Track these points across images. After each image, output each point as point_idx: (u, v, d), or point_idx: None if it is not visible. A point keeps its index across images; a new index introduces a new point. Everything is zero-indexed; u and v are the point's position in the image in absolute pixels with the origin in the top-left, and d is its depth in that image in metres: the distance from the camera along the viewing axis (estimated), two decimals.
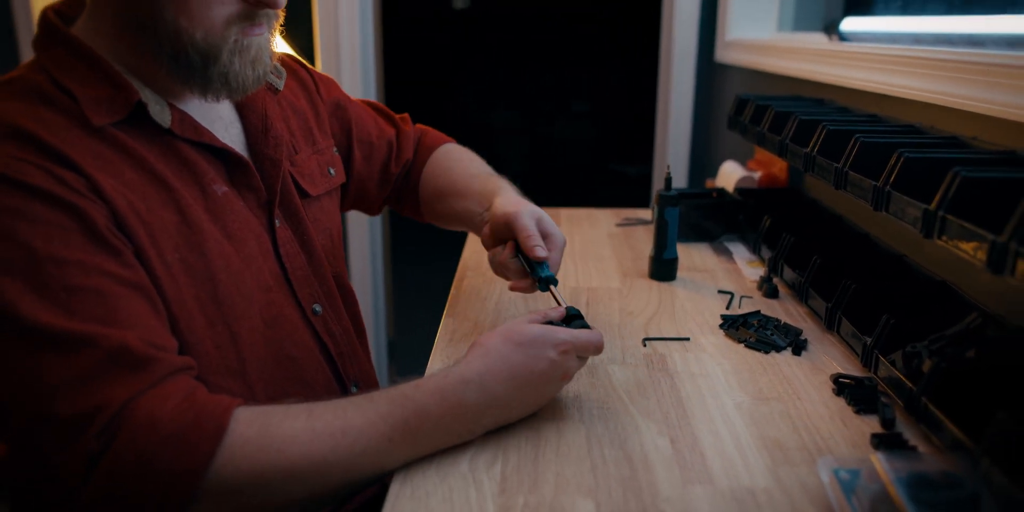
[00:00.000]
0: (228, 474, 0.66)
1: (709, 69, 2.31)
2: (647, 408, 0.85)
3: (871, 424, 0.82)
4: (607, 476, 0.72)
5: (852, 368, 0.95)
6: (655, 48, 2.42)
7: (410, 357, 2.92)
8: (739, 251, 1.41)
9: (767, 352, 0.99)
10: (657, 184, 2.54)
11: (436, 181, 1.20)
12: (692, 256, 1.39)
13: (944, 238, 0.74)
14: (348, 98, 1.16)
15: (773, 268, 1.23)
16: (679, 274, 1.28)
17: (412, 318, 3.10)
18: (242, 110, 0.94)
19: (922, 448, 0.77)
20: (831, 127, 1.08)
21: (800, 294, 1.14)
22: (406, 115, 1.27)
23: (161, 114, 0.81)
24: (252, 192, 0.89)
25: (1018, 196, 0.65)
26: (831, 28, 1.58)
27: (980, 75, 0.94)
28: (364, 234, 2.54)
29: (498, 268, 1.01)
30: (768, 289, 1.18)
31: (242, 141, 0.92)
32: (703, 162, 2.39)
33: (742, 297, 1.18)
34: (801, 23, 2.07)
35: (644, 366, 0.95)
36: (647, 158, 2.59)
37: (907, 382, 0.81)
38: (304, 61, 1.14)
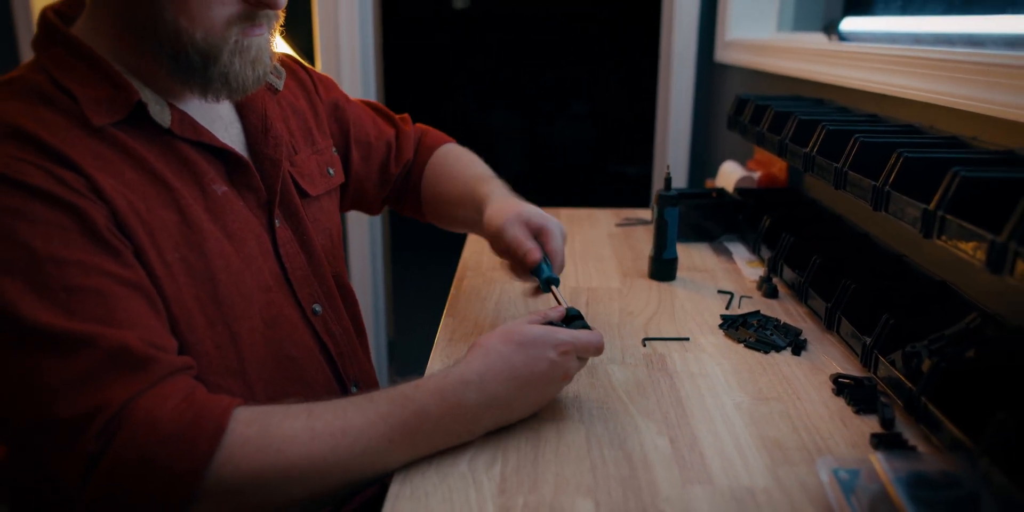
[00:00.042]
0: (228, 474, 0.66)
1: (709, 69, 2.31)
2: (647, 408, 0.85)
3: (870, 424, 0.82)
4: (607, 476, 0.72)
5: (852, 368, 0.95)
6: (655, 48, 2.42)
7: (410, 357, 2.92)
8: (739, 251, 1.41)
9: (767, 352, 0.99)
10: (657, 184, 2.54)
11: (436, 187, 1.20)
12: (692, 256, 1.39)
13: (943, 238, 0.74)
14: (347, 98, 1.16)
15: (773, 268, 1.23)
16: (679, 274, 1.28)
17: (412, 318, 3.10)
18: (242, 110, 0.94)
19: (921, 448, 0.77)
20: (831, 127, 1.08)
21: (800, 294, 1.14)
22: (406, 115, 1.27)
23: (161, 114, 0.81)
24: (252, 192, 0.89)
25: (1017, 196, 0.65)
26: (831, 28, 1.58)
27: (980, 75, 0.94)
28: (364, 234, 2.54)
29: (515, 274, 1.03)
30: (768, 289, 1.18)
31: (242, 141, 0.92)
32: (703, 162, 2.39)
33: (742, 297, 1.18)
34: (801, 23, 2.07)
35: (644, 366, 0.95)
36: (647, 158, 2.59)
37: (906, 382, 0.81)
38: (303, 61, 1.14)
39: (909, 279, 1.05)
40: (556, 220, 1.01)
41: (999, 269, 0.65)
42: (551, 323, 0.84)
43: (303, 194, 0.98)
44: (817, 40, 1.64)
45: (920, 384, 0.78)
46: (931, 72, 1.04)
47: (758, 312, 1.11)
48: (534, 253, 0.96)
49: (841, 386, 0.88)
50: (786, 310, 1.13)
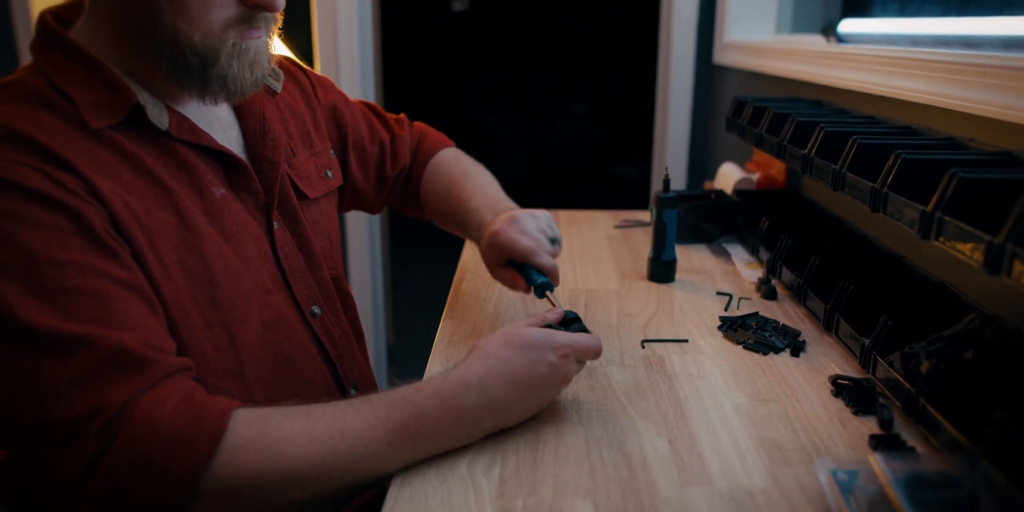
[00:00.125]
0: (226, 475, 0.66)
1: (707, 71, 2.31)
2: (646, 410, 0.85)
3: (869, 425, 0.82)
4: (606, 478, 0.72)
5: (850, 369, 0.95)
6: (654, 50, 2.43)
7: (409, 360, 2.92)
8: (737, 253, 1.41)
9: (765, 353, 0.99)
10: (656, 186, 2.54)
11: (432, 196, 1.20)
12: (691, 258, 1.39)
13: (941, 239, 0.74)
14: (345, 99, 1.16)
15: (771, 269, 1.23)
16: (678, 276, 1.28)
17: (411, 321, 3.10)
18: (240, 113, 0.94)
19: (920, 449, 0.77)
20: (829, 128, 1.08)
21: (798, 295, 1.14)
22: (403, 116, 1.27)
23: (159, 117, 0.81)
24: (250, 194, 0.89)
25: (1015, 197, 0.65)
26: (829, 30, 1.58)
27: (977, 77, 0.94)
28: (363, 237, 2.54)
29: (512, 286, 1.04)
30: (766, 290, 1.19)
31: (240, 143, 0.92)
32: (701, 164, 2.39)
33: (740, 299, 1.18)
34: (799, 25, 2.08)
35: (643, 368, 0.95)
36: (646, 160, 2.59)
37: (905, 383, 0.81)
38: (302, 64, 1.14)
39: (907, 280, 1.05)
40: (535, 237, 1.00)
41: (997, 270, 0.65)
42: (549, 326, 0.84)
43: (301, 196, 0.98)
44: (815, 42, 1.64)
45: (919, 385, 0.78)
46: (929, 74, 1.05)
47: (757, 313, 1.11)
48: (508, 286, 1.01)
49: (840, 387, 0.88)
50: (785, 311, 1.14)
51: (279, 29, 0.86)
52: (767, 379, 0.92)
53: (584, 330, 0.85)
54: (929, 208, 0.76)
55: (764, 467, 0.74)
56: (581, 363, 0.82)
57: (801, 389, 0.90)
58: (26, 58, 2.37)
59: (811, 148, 1.09)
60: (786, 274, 1.19)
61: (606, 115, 4.49)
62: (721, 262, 1.37)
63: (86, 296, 0.68)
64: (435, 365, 0.96)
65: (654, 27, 2.41)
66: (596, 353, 0.82)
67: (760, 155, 1.68)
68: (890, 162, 0.87)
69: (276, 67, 0.99)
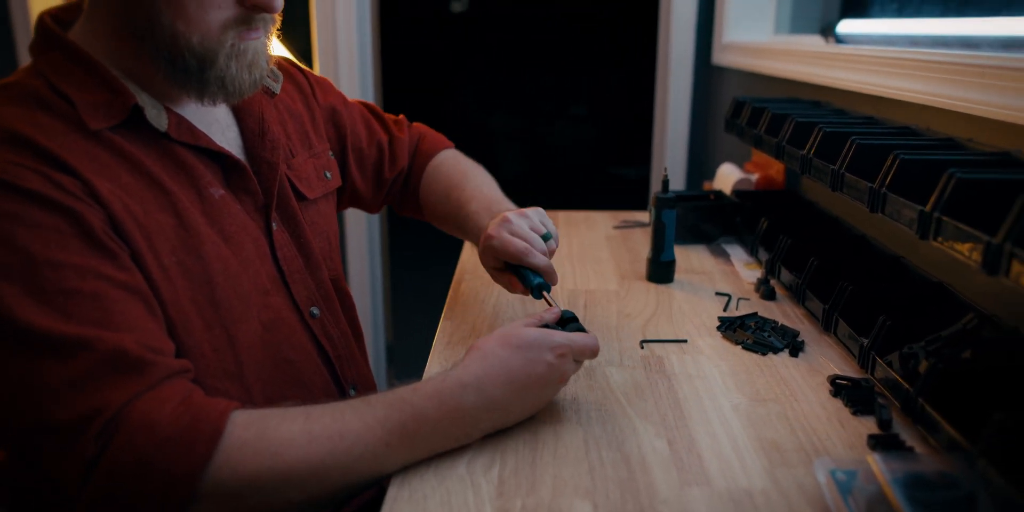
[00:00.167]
0: (225, 477, 0.66)
1: (706, 72, 2.31)
2: (644, 410, 0.85)
3: (868, 425, 0.82)
4: (605, 478, 0.72)
5: (849, 369, 0.95)
6: (653, 51, 2.43)
7: (408, 360, 2.92)
8: (736, 253, 1.41)
9: (764, 354, 0.99)
10: (655, 186, 2.54)
11: (430, 199, 1.20)
12: (689, 258, 1.39)
13: (940, 239, 0.74)
14: (344, 100, 1.16)
15: (770, 270, 1.23)
16: (676, 276, 1.28)
17: (410, 322, 3.10)
18: (239, 114, 0.94)
19: (919, 449, 0.77)
20: (827, 129, 1.08)
21: (797, 296, 1.14)
22: (402, 117, 1.27)
23: (158, 118, 0.81)
24: (249, 195, 0.89)
25: (1013, 197, 0.65)
26: (827, 30, 1.59)
27: (975, 77, 0.94)
28: (363, 238, 2.54)
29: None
30: (765, 291, 1.19)
31: (239, 145, 0.92)
32: (700, 164, 2.39)
33: (739, 299, 1.18)
34: (798, 25, 2.08)
35: (642, 368, 0.95)
36: (645, 160, 2.59)
37: (904, 383, 0.81)
38: (301, 64, 1.14)
39: (906, 280, 1.05)
40: (523, 233, 0.98)
41: (995, 270, 0.65)
42: (547, 326, 0.84)
43: (300, 197, 0.98)
44: (814, 42, 1.64)
45: (917, 385, 0.78)
46: (927, 74, 1.05)
47: (756, 314, 1.11)
48: (506, 287, 1.01)
49: (838, 387, 0.88)
50: (784, 312, 1.14)
51: (277, 30, 0.87)
52: (766, 379, 0.92)
53: (581, 330, 0.85)
54: (927, 208, 0.76)
55: (763, 467, 0.74)
56: (579, 363, 0.82)
57: (800, 389, 0.90)
58: (25, 59, 2.37)
59: (810, 148, 1.10)
60: (785, 274, 1.19)
61: (605, 116, 4.50)
62: (720, 262, 1.37)
63: (85, 298, 0.68)
64: (434, 366, 0.96)
65: (653, 28, 2.42)
66: (593, 352, 0.82)
67: (759, 156, 1.68)
68: (888, 162, 0.87)
69: (275, 68, 1.00)
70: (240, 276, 0.84)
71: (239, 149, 0.92)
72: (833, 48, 1.45)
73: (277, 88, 0.99)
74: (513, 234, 0.98)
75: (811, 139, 1.10)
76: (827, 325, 1.03)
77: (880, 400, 0.85)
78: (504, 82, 4.56)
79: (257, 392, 0.85)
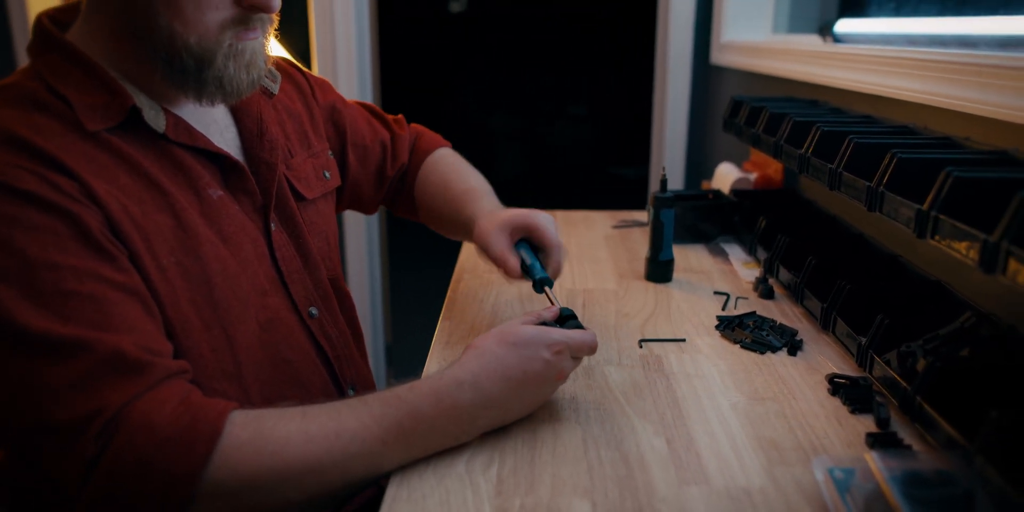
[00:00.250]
0: (224, 477, 0.66)
1: (705, 71, 2.32)
2: (643, 409, 0.85)
3: (866, 423, 0.82)
4: (603, 477, 0.72)
5: (847, 368, 0.95)
6: (652, 51, 2.43)
7: (407, 361, 2.92)
8: (735, 252, 1.41)
9: (763, 352, 0.99)
10: (653, 186, 2.54)
11: (427, 195, 1.20)
12: (688, 257, 1.39)
13: (937, 238, 0.74)
14: (343, 100, 1.16)
15: (769, 269, 1.23)
16: (675, 275, 1.28)
17: (409, 322, 3.10)
18: (237, 114, 0.94)
19: (917, 447, 0.77)
20: (825, 128, 1.08)
21: (795, 295, 1.14)
22: (401, 117, 1.27)
23: (156, 119, 0.81)
24: (247, 196, 0.89)
25: (1010, 196, 0.65)
26: (825, 30, 1.59)
27: (973, 76, 0.94)
28: (362, 238, 2.54)
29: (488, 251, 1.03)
30: (764, 290, 1.19)
31: (237, 145, 0.92)
32: (699, 164, 2.40)
33: (738, 298, 1.18)
34: (796, 25, 2.08)
35: (640, 367, 0.95)
36: (645, 160, 2.59)
37: (902, 381, 0.81)
38: (299, 65, 1.14)
39: (904, 279, 1.05)
40: (543, 213, 1.02)
41: (992, 268, 0.65)
42: (545, 323, 0.84)
43: (299, 197, 0.98)
44: (812, 42, 1.65)
45: (915, 383, 0.78)
46: (925, 73, 1.05)
47: (754, 313, 1.11)
48: (510, 265, 0.99)
49: (837, 386, 0.88)
50: (782, 311, 1.14)
51: (275, 30, 0.87)
52: (764, 378, 0.92)
53: (580, 327, 0.85)
54: (925, 207, 0.77)
55: (761, 466, 0.74)
56: (577, 359, 0.82)
57: (798, 388, 0.90)
58: (23, 60, 2.37)
59: (808, 148, 1.10)
60: (783, 273, 1.20)
61: (605, 116, 4.50)
62: (718, 262, 1.37)
63: (83, 300, 0.68)
64: (433, 365, 0.96)
65: (652, 28, 2.42)
66: (591, 349, 0.82)
67: (757, 155, 1.68)
68: (886, 161, 0.87)
69: (273, 68, 1.00)
70: (238, 276, 0.84)
71: (237, 150, 0.92)
72: (831, 47, 1.45)
73: (275, 88, 0.99)
74: (512, 231, 1.01)
75: (809, 138, 1.10)
76: (825, 324, 1.03)
77: (878, 398, 0.85)
78: (503, 82, 4.56)
79: (256, 392, 0.85)
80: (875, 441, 0.77)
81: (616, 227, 1.61)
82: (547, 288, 0.96)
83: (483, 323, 1.09)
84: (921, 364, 0.79)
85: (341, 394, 0.97)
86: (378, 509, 0.68)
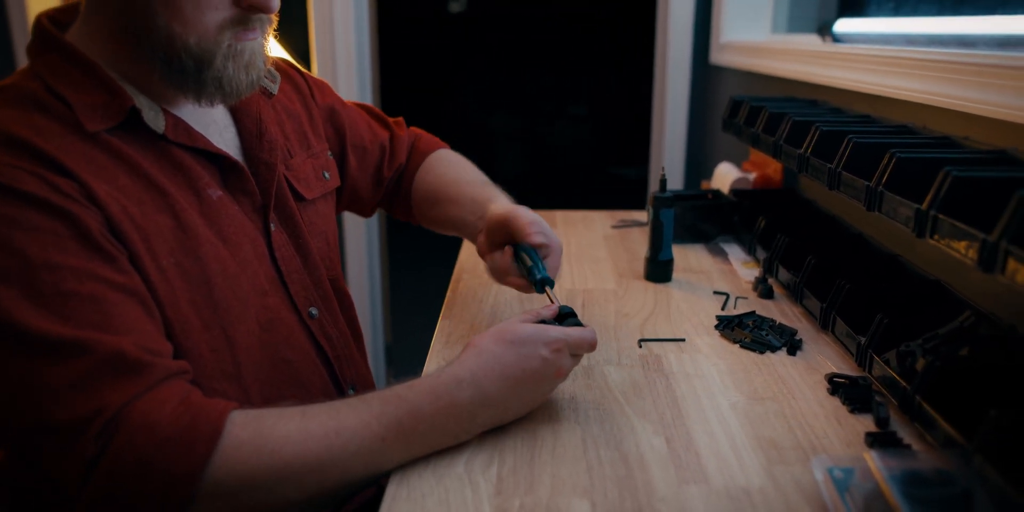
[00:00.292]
0: (224, 476, 0.66)
1: (704, 71, 2.32)
2: (643, 408, 0.85)
3: (865, 423, 0.82)
4: (603, 477, 0.72)
5: (847, 367, 0.95)
6: (651, 51, 2.43)
7: (407, 361, 2.92)
8: (734, 252, 1.41)
9: (762, 352, 0.99)
10: (653, 186, 2.54)
11: (429, 187, 1.20)
12: (688, 257, 1.39)
13: (936, 237, 0.75)
14: (342, 102, 1.16)
15: (768, 269, 1.24)
16: (675, 275, 1.28)
17: (409, 322, 3.10)
18: (236, 114, 0.94)
19: (916, 446, 0.77)
20: (824, 128, 1.08)
21: (795, 294, 1.15)
22: (400, 119, 1.27)
23: (155, 120, 0.81)
24: (247, 196, 0.90)
25: (1009, 195, 0.65)
26: (824, 30, 1.59)
27: (971, 75, 0.94)
28: (361, 239, 2.54)
29: (498, 274, 1.01)
30: (763, 290, 1.19)
31: (236, 145, 0.93)
32: (699, 164, 2.40)
33: (737, 298, 1.18)
34: (795, 25, 2.08)
35: (640, 367, 0.95)
36: (645, 160, 2.60)
37: (901, 381, 0.81)
38: (298, 65, 1.14)
39: (903, 279, 1.06)
40: (558, 239, 1.01)
41: (991, 268, 0.65)
42: (544, 321, 0.84)
43: (298, 198, 0.98)
44: (811, 42, 1.65)
45: (914, 383, 0.78)
46: (923, 73, 1.05)
47: (753, 312, 1.11)
48: (540, 237, 0.95)
49: (836, 385, 0.88)
50: (781, 310, 1.14)
51: (275, 30, 0.87)
52: (764, 378, 0.92)
53: (579, 325, 0.85)
54: (924, 206, 0.77)
55: (761, 465, 0.74)
56: (576, 357, 0.82)
57: (798, 387, 0.90)
58: (22, 61, 2.37)
59: (807, 147, 1.10)
60: (782, 273, 1.20)
61: (605, 116, 4.50)
62: (718, 261, 1.37)
63: (83, 300, 0.68)
64: (432, 365, 0.96)
65: (652, 28, 2.42)
66: (591, 346, 0.82)
67: (757, 155, 1.68)
68: (885, 161, 0.87)
69: (272, 69, 1.00)
70: (238, 277, 0.84)
71: (237, 150, 0.92)
72: (830, 47, 1.46)
73: (275, 89, 0.99)
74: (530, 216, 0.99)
75: (808, 138, 1.10)
76: (825, 323, 1.03)
77: (877, 398, 0.85)
78: (503, 82, 4.56)
79: (255, 392, 0.85)
80: (874, 440, 0.77)
81: (616, 227, 1.61)
82: (548, 288, 0.96)
83: (483, 323, 1.10)
84: (920, 363, 0.79)
85: (341, 394, 0.97)
86: (378, 508, 0.69)
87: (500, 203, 1.05)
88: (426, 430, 0.73)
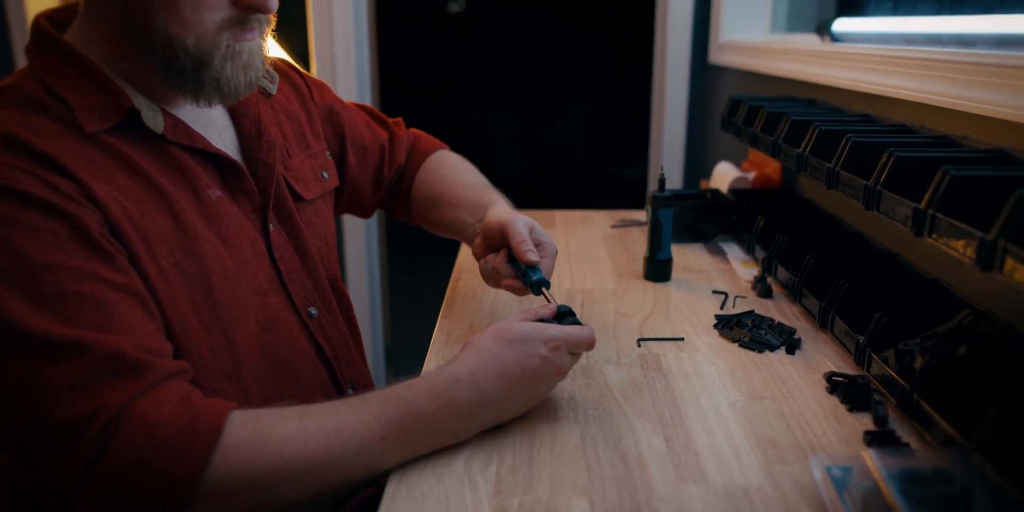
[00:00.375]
0: (224, 476, 0.66)
1: (703, 71, 2.32)
2: (641, 408, 0.85)
3: (864, 422, 0.82)
4: (602, 476, 0.72)
5: (845, 366, 0.95)
6: (650, 51, 2.43)
7: (406, 360, 2.92)
8: (733, 251, 1.41)
9: (761, 351, 0.99)
10: (652, 185, 2.54)
11: (429, 188, 1.20)
12: (687, 257, 1.39)
13: (934, 236, 0.75)
14: (341, 102, 1.16)
15: (767, 268, 1.24)
16: (674, 275, 1.28)
17: (408, 322, 3.10)
18: (235, 114, 0.94)
19: (914, 445, 0.77)
20: (823, 127, 1.08)
21: (794, 293, 1.15)
22: (399, 119, 1.27)
23: (154, 120, 0.81)
24: (246, 196, 0.90)
25: (1006, 194, 0.65)
26: (823, 29, 1.59)
27: (970, 74, 0.94)
28: (360, 238, 2.54)
29: (490, 275, 1.01)
30: (762, 289, 1.19)
31: (235, 145, 0.93)
32: (698, 163, 2.40)
33: (736, 297, 1.19)
34: (794, 24, 2.08)
35: (639, 366, 0.95)
36: (644, 160, 2.60)
37: (899, 380, 0.81)
38: (297, 66, 1.15)
39: (901, 277, 1.06)
40: (553, 242, 1.01)
41: (989, 266, 0.65)
42: (542, 320, 0.84)
43: (297, 198, 0.98)
44: (810, 41, 1.65)
45: (913, 382, 0.78)
46: (922, 72, 1.05)
47: (752, 312, 1.11)
48: (534, 255, 0.96)
49: (835, 384, 0.88)
50: (780, 309, 1.14)
51: (273, 31, 0.87)
52: (762, 377, 0.92)
53: (577, 323, 0.85)
54: (922, 205, 0.77)
55: (759, 464, 0.74)
56: (575, 356, 0.82)
57: (796, 386, 0.90)
58: (21, 61, 2.37)
59: (805, 147, 1.10)
60: (781, 272, 1.20)
61: (604, 116, 4.50)
62: (717, 261, 1.37)
63: (83, 301, 0.69)
64: (432, 365, 0.96)
65: (651, 28, 2.42)
66: (589, 344, 0.82)
67: (755, 154, 1.68)
68: (883, 160, 0.88)
69: (271, 69, 1.00)
70: (237, 277, 0.84)
71: (235, 150, 0.92)
72: (829, 47, 1.46)
73: (273, 89, 0.99)
74: (531, 229, 0.99)
75: (807, 137, 1.10)
76: (823, 322, 1.03)
77: (876, 397, 0.85)
78: (502, 82, 4.55)
79: (255, 392, 0.85)
80: (873, 439, 0.77)
81: (615, 227, 1.61)
82: (545, 290, 0.96)
83: (482, 322, 1.10)
84: (919, 362, 0.79)
85: (340, 394, 0.98)
86: (377, 508, 0.69)
87: (498, 209, 1.05)
88: (425, 429, 0.73)
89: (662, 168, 1.32)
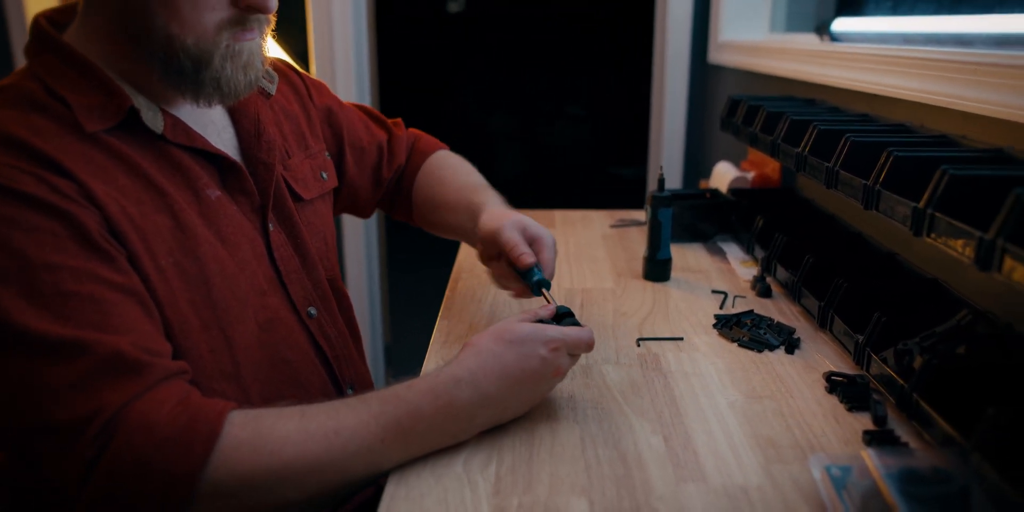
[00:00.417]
0: (223, 476, 0.66)
1: (702, 71, 2.32)
2: (641, 407, 0.85)
3: (863, 421, 0.82)
4: (601, 476, 0.72)
5: (844, 366, 0.95)
6: (650, 51, 2.43)
7: (406, 360, 2.92)
8: (732, 251, 1.41)
9: (760, 351, 0.99)
10: (652, 185, 2.54)
11: (429, 191, 1.20)
12: (686, 256, 1.39)
13: (933, 236, 0.75)
14: (340, 103, 1.16)
15: (766, 268, 1.24)
16: (673, 274, 1.28)
17: (408, 322, 3.10)
18: (235, 115, 0.94)
19: (913, 444, 0.77)
20: (822, 127, 1.08)
21: (793, 293, 1.15)
22: (399, 120, 1.27)
23: (154, 120, 0.81)
24: (245, 196, 0.90)
25: (1005, 193, 0.65)
26: (822, 29, 1.59)
27: (969, 74, 0.94)
28: (360, 238, 2.54)
29: (500, 282, 1.03)
30: (761, 288, 1.19)
31: (235, 145, 0.93)
32: (697, 163, 2.40)
33: (735, 297, 1.19)
34: (793, 24, 2.08)
35: (638, 366, 0.96)
36: (644, 160, 2.60)
37: (899, 379, 0.81)
38: (296, 66, 1.15)
39: (900, 277, 1.06)
40: (549, 231, 1.02)
41: (988, 266, 0.65)
42: (542, 321, 0.84)
43: (296, 198, 0.98)
44: (809, 41, 1.65)
45: (912, 381, 0.78)
46: (921, 72, 1.05)
47: (752, 311, 1.12)
48: (528, 257, 0.96)
49: (834, 384, 0.89)
50: (779, 309, 1.14)
51: (272, 31, 0.87)
52: (762, 376, 0.92)
53: (577, 324, 0.85)
54: (921, 205, 0.77)
55: (759, 463, 0.74)
56: (574, 356, 0.83)
57: (796, 386, 0.90)
58: (21, 62, 2.37)
59: (804, 146, 1.10)
60: (781, 272, 1.20)
61: (604, 116, 4.50)
62: (716, 260, 1.37)
63: (82, 301, 0.69)
64: (431, 365, 0.96)
65: (651, 28, 2.42)
66: (588, 346, 0.82)
67: (755, 154, 1.68)
68: (882, 160, 0.88)
69: (270, 69, 1.00)
70: (237, 277, 0.84)
71: (235, 150, 0.92)
72: (828, 46, 1.46)
73: (272, 89, 0.99)
74: (523, 228, 0.99)
75: (806, 137, 1.10)
76: (822, 322, 1.03)
77: (875, 396, 0.85)
78: (502, 82, 4.55)
79: (255, 392, 0.85)
80: (872, 439, 0.78)
81: (614, 226, 1.61)
82: (544, 290, 0.96)
83: (481, 323, 1.10)
84: (918, 362, 0.79)
85: (340, 394, 0.98)
86: (376, 508, 0.69)
87: (489, 212, 1.04)
88: (425, 430, 0.73)
89: (661, 168, 1.32)
